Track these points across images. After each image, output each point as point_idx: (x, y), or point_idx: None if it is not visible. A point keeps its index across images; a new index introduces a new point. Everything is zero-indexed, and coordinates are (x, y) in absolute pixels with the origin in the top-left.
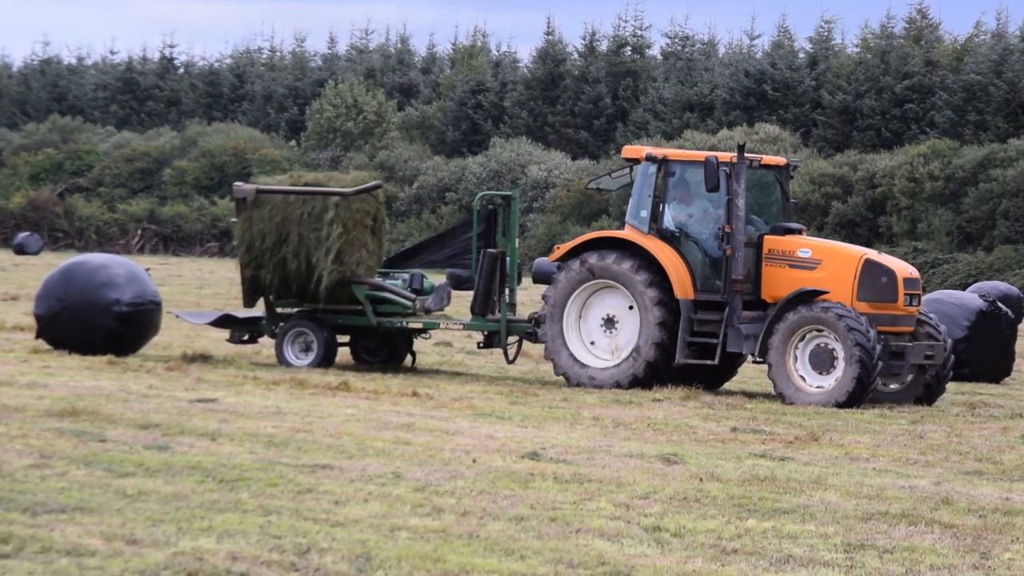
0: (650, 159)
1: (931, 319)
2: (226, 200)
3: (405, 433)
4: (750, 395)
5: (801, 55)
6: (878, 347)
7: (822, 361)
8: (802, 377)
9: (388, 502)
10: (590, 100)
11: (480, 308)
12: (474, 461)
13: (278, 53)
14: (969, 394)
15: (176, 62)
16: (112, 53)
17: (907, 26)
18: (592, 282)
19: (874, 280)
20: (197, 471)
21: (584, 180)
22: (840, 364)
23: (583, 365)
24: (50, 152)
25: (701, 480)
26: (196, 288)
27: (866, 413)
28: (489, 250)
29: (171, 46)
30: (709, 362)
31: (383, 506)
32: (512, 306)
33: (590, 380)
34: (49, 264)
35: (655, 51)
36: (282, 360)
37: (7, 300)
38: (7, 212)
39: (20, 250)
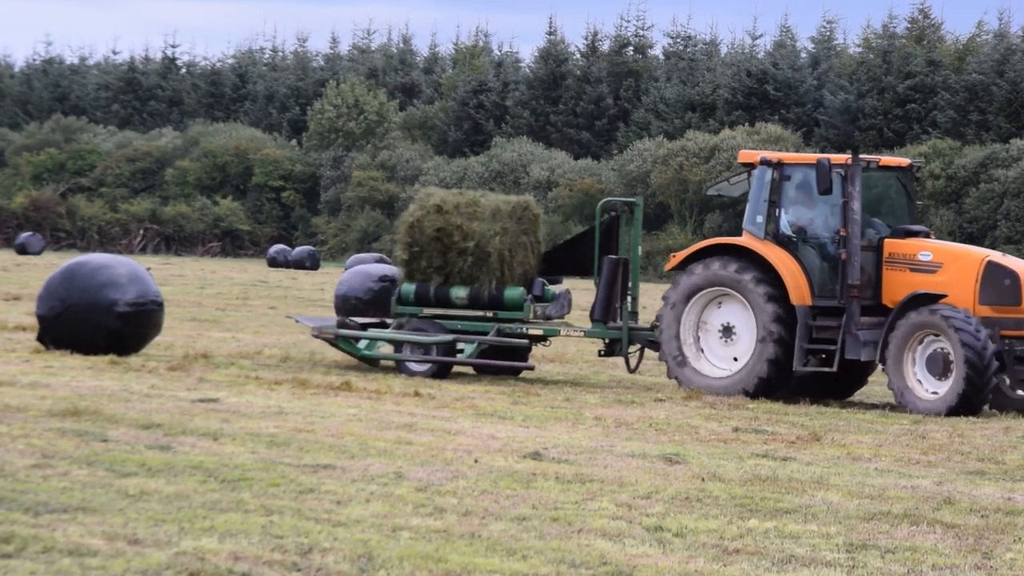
0: (765, 163)
1: None
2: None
3: (407, 433)
4: (745, 394)
5: (803, 55)
6: (989, 348)
7: (939, 366)
8: (920, 383)
9: (390, 502)
10: (592, 100)
11: (601, 315)
12: (476, 461)
13: (280, 53)
14: None
15: (178, 62)
16: (114, 53)
17: (909, 26)
18: (711, 288)
19: (997, 283)
20: (199, 471)
21: (585, 180)
22: (955, 368)
23: (696, 372)
24: (52, 152)
25: (703, 480)
26: (198, 288)
27: (868, 413)
28: (610, 256)
29: (173, 46)
30: (827, 369)
31: (385, 506)
32: (634, 314)
33: (706, 389)
34: (51, 264)
35: (657, 51)
36: (402, 368)
37: (9, 300)
38: (9, 212)
39: (22, 250)
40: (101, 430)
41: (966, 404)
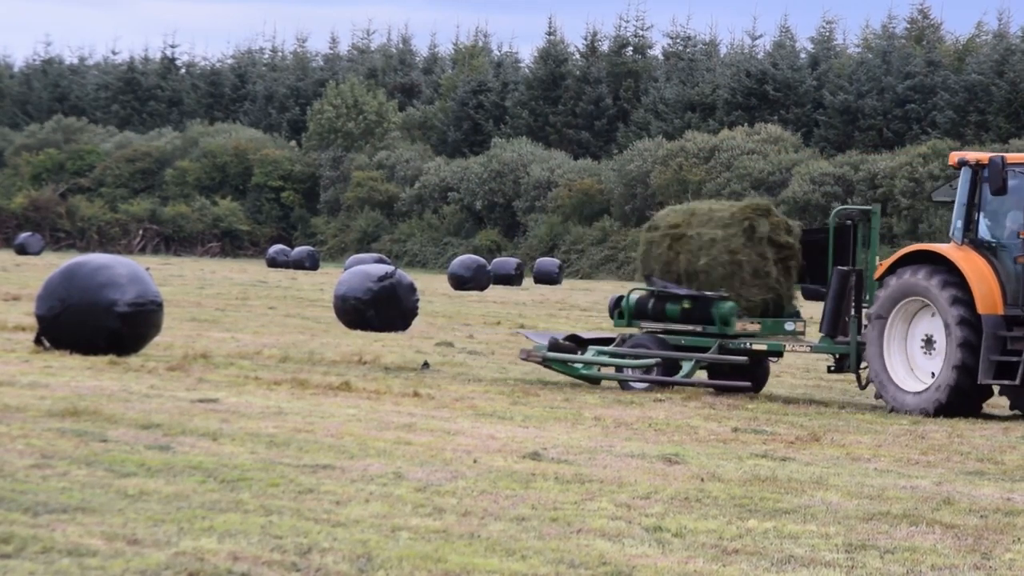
0: (963, 164)
1: None
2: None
3: (406, 433)
4: (751, 395)
5: (803, 55)
6: None
7: None
8: None
9: (389, 502)
10: (591, 100)
11: (829, 329)
12: (475, 461)
13: (280, 53)
14: None
15: (178, 62)
16: (114, 53)
17: (908, 26)
18: (910, 299)
19: None
20: (198, 471)
21: (584, 180)
22: None
23: (898, 387)
24: (52, 152)
25: (702, 480)
26: (198, 288)
27: (867, 413)
28: (840, 267)
29: (173, 46)
30: (1009, 382)
31: (384, 506)
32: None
33: (913, 405)
34: (51, 264)
35: (656, 51)
36: (622, 385)
37: (9, 300)
38: (9, 212)
39: (22, 250)
40: (101, 430)
41: None
